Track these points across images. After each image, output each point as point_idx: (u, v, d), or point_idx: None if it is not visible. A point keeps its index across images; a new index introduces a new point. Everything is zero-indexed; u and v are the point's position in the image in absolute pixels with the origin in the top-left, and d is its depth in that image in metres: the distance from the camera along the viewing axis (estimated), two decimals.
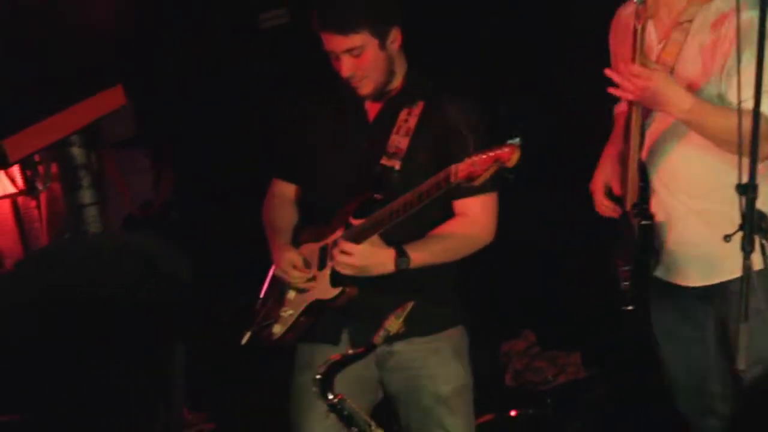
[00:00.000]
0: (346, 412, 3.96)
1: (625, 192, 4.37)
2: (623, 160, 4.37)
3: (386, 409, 4.54)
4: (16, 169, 5.79)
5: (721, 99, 4.17)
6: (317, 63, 4.53)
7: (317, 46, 4.36)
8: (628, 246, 4.39)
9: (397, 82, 4.43)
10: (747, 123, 3.65)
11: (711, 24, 4.24)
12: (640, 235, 4.34)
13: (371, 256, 4.27)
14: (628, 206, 4.37)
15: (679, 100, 4.14)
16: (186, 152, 6.11)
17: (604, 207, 4.50)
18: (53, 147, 5.15)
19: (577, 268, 5.39)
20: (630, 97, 4.20)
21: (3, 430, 1.78)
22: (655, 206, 4.38)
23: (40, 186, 5.64)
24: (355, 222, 4.34)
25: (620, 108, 4.67)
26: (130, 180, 5.93)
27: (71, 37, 5.09)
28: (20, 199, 5.87)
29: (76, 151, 5.13)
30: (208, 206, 6.09)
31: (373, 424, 3.99)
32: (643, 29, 4.16)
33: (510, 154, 3.90)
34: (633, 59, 4.18)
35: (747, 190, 3.58)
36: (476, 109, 4.40)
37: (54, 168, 5.33)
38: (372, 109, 4.47)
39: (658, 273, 4.43)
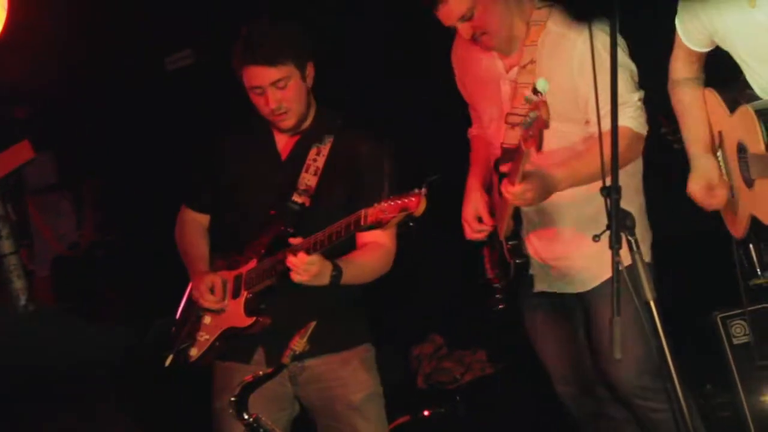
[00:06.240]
0: (262, 430, 3.97)
1: (499, 224, 4.43)
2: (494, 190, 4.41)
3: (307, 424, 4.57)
4: None
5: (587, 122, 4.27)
6: (225, 101, 4.55)
7: (224, 85, 4.36)
8: (500, 261, 4.49)
9: (309, 120, 4.45)
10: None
11: (553, 57, 4.29)
12: (516, 271, 4.42)
13: (321, 267, 4.22)
14: (501, 236, 4.42)
15: (556, 185, 4.22)
16: (105, 193, 6.11)
17: (476, 234, 4.52)
18: None
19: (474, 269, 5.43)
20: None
21: None
22: (529, 231, 4.46)
23: None
24: (267, 257, 4.35)
25: (473, 131, 4.71)
26: (55, 223, 5.91)
27: None
28: None
29: None
30: (131, 241, 6.10)
31: None
32: (528, 155, 3.99)
33: (417, 204, 3.93)
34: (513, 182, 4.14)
35: (611, 192, 3.65)
36: (387, 145, 4.43)
37: None
38: (284, 147, 4.48)
39: (536, 287, 4.51)
